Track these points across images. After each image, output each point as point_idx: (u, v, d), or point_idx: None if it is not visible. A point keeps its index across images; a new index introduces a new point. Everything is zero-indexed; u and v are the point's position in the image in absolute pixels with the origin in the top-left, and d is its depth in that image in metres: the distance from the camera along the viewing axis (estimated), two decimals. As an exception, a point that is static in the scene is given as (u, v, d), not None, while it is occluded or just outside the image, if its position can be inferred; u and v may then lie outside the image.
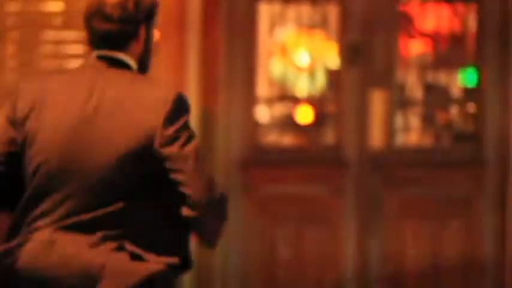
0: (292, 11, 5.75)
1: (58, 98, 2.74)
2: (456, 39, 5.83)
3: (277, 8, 5.77)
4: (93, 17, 2.77)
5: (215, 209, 2.66)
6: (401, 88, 6.11)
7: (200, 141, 5.23)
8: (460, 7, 5.77)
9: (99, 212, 2.65)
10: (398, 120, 5.77)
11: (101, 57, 2.77)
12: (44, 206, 2.70)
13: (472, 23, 5.82)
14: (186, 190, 2.60)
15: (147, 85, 2.75)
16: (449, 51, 5.91)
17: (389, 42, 5.67)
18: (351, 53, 5.69)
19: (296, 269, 5.75)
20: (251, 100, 5.77)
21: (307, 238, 5.72)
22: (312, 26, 5.77)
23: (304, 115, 6.83)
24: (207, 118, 5.65)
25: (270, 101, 5.82)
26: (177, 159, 2.63)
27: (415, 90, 5.76)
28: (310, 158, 5.73)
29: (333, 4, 5.76)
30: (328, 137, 5.86)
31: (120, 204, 2.64)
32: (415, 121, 5.84)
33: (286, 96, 5.84)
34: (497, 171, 5.74)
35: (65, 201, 2.68)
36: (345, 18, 5.73)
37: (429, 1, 5.76)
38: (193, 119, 5.41)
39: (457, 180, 5.72)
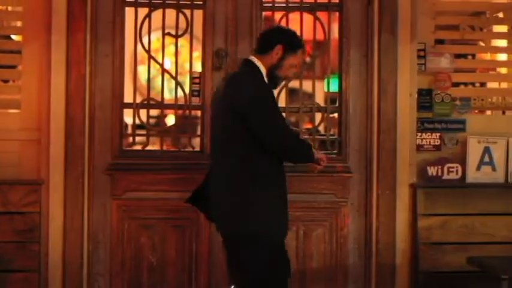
0: (158, 17, 5.72)
1: (218, 90, 4.74)
2: (320, 47, 5.92)
3: (143, 12, 5.73)
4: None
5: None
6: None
7: (67, 144, 5.11)
8: (323, 15, 5.84)
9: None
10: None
11: (245, 59, 4.66)
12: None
13: (335, 30, 5.92)
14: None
15: (241, 82, 4.49)
16: (313, 58, 5.99)
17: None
18: (215, 59, 5.70)
19: (160, 272, 5.71)
20: (117, 104, 5.71)
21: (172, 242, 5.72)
22: (177, 32, 5.75)
23: (171, 120, 6.82)
24: (73, 121, 5.56)
25: (136, 106, 5.75)
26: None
27: (279, 96, 5.78)
28: (177, 163, 5.70)
29: (198, 11, 5.76)
30: (195, 142, 5.84)
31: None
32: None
33: (153, 101, 5.80)
34: (361, 177, 5.84)
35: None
36: (210, 25, 5.74)
37: (293, 9, 5.82)
38: (59, 122, 5.34)
39: (322, 186, 5.78)
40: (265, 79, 4.57)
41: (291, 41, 4.62)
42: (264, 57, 4.58)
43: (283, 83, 5.76)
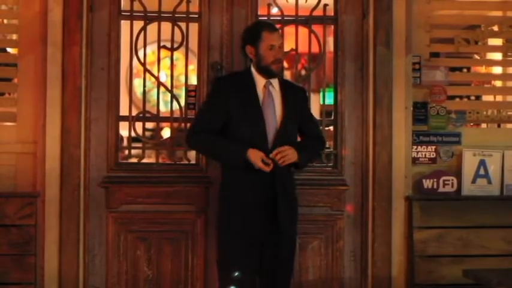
0: (153, 30, 5.73)
1: None
2: (315, 60, 5.92)
3: (139, 25, 5.74)
4: None
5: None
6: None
7: (63, 157, 5.03)
8: (318, 29, 5.85)
9: None
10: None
11: None
12: None
13: (330, 44, 5.94)
14: None
15: None
16: (308, 71, 6.00)
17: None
18: (211, 72, 5.71)
19: (156, 285, 5.70)
20: (113, 117, 5.71)
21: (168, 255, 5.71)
22: (173, 45, 5.76)
23: (166, 133, 6.81)
24: (69, 134, 5.56)
25: (132, 119, 5.76)
26: None
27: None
28: (172, 176, 5.71)
29: (193, 24, 5.77)
30: (190, 155, 5.83)
31: None
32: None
33: (149, 114, 5.82)
34: (357, 190, 5.84)
35: None
36: (205, 38, 5.76)
37: (288, 22, 5.83)
38: (55, 135, 5.29)
39: (318, 198, 5.77)
40: (258, 80, 4.98)
41: (250, 35, 5.01)
42: (253, 64, 5.03)
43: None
